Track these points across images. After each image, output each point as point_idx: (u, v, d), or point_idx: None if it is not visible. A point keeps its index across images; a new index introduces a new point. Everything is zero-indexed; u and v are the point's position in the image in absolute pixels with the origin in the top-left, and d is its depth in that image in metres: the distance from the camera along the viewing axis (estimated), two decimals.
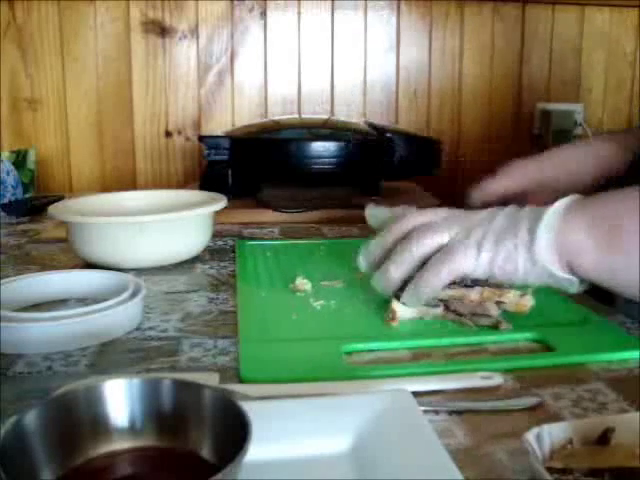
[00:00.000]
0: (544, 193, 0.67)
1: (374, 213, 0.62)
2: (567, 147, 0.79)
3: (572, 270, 0.50)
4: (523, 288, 0.54)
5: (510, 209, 0.53)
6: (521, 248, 0.50)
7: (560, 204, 0.51)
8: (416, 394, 0.39)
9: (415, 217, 0.55)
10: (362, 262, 0.57)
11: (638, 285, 0.48)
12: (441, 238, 0.52)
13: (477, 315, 0.54)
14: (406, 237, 0.54)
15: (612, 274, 0.49)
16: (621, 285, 0.50)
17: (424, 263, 0.52)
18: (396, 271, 0.53)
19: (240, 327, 0.54)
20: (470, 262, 0.51)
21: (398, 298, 0.54)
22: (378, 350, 0.50)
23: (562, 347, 0.50)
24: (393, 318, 0.53)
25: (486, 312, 0.54)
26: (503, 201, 0.61)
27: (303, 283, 0.63)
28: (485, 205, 0.59)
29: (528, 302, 0.54)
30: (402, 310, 0.54)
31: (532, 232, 0.50)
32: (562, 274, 0.50)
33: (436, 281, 0.51)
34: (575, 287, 0.51)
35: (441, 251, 0.52)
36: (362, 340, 0.51)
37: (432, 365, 0.48)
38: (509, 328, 0.53)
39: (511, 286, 0.54)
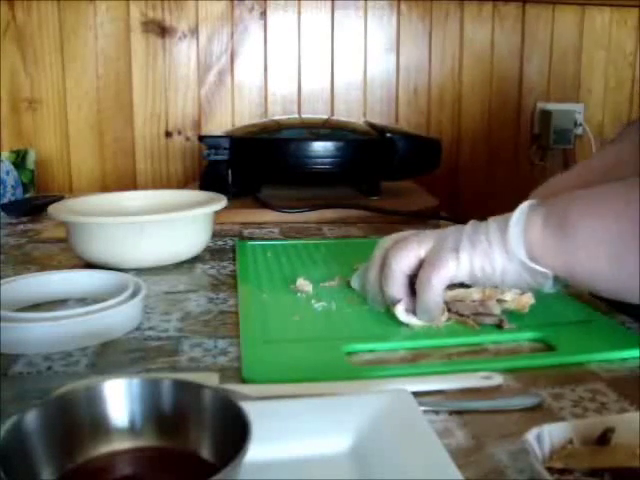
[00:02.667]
0: None
1: (356, 280, 0.62)
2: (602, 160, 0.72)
3: (537, 264, 0.51)
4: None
5: (475, 221, 0.55)
6: (495, 244, 0.51)
7: (525, 203, 0.52)
8: (416, 394, 0.39)
9: (385, 241, 0.57)
10: (370, 302, 0.58)
11: (595, 279, 0.50)
12: (418, 249, 0.54)
13: (480, 315, 0.54)
14: (385, 260, 0.55)
15: (569, 268, 0.50)
16: (577, 277, 0.51)
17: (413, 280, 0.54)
18: (391, 290, 0.54)
19: (242, 328, 0.54)
20: (452, 267, 0.52)
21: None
22: (379, 351, 0.50)
23: (563, 346, 0.50)
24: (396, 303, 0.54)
25: (489, 311, 0.54)
26: None
27: (304, 284, 0.63)
28: None
29: (529, 300, 0.54)
30: (403, 315, 0.54)
31: (502, 229, 0.51)
32: (537, 267, 0.50)
33: (430, 294, 0.52)
34: (550, 283, 0.51)
35: (423, 266, 0.53)
36: (363, 341, 0.51)
37: (432, 365, 0.48)
38: (513, 327, 0.53)
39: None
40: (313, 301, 0.60)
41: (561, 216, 0.50)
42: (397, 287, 0.54)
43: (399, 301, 0.54)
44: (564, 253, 0.50)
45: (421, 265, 0.53)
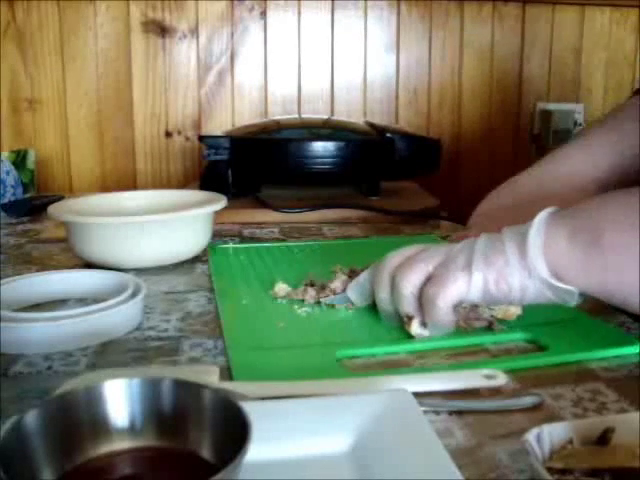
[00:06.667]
0: None
1: (354, 289, 0.58)
2: (559, 169, 0.70)
3: (561, 281, 0.48)
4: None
5: (488, 233, 0.51)
6: (513, 262, 0.48)
7: (543, 214, 0.49)
8: (416, 394, 0.39)
9: (391, 258, 0.54)
10: (384, 318, 0.55)
11: (629, 292, 0.46)
12: (426, 268, 0.51)
13: (470, 319, 0.54)
14: (394, 280, 0.52)
15: (599, 283, 0.47)
16: (611, 294, 0.48)
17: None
18: (404, 311, 0.52)
19: (226, 337, 0.52)
20: (463, 287, 0.49)
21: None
22: (373, 355, 0.50)
23: (556, 346, 0.50)
24: (408, 323, 0.52)
25: (479, 317, 0.54)
26: None
27: (282, 288, 0.61)
28: None
29: (517, 311, 0.54)
30: (416, 327, 0.52)
31: (522, 245, 0.48)
32: (561, 285, 0.47)
33: (437, 315, 0.50)
34: (575, 298, 0.48)
35: (429, 282, 0.50)
36: (355, 346, 0.51)
37: (430, 368, 0.47)
38: (502, 328, 0.53)
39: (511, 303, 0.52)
40: (296, 306, 0.59)
41: (591, 229, 0.47)
42: (409, 307, 0.52)
43: (412, 317, 0.52)
44: (599, 271, 0.46)
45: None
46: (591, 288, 0.48)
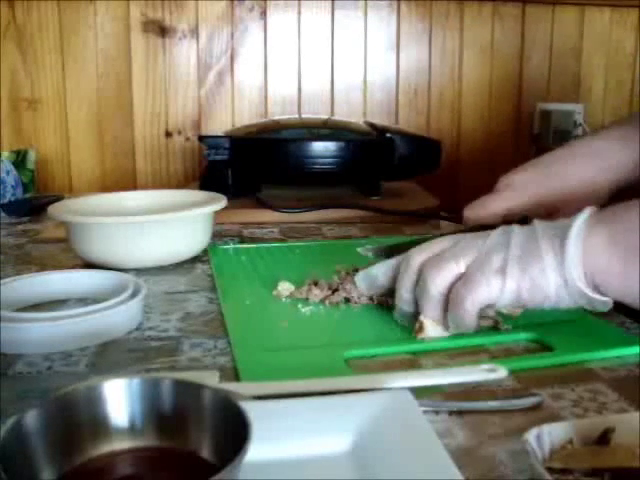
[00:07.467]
0: (553, 209, 0.64)
1: (363, 278, 0.58)
2: (576, 151, 0.71)
3: (598, 290, 0.47)
4: None
5: (523, 229, 0.50)
6: (550, 271, 0.47)
7: (581, 219, 0.47)
8: (417, 393, 0.39)
9: (417, 255, 0.52)
10: (398, 318, 0.54)
11: None
12: (457, 268, 0.49)
13: None
14: (420, 277, 0.51)
15: (637, 288, 0.46)
16: None
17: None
18: (426, 311, 0.51)
19: (232, 337, 0.52)
20: (495, 292, 0.48)
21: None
22: (380, 355, 0.49)
23: (560, 346, 0.50)
24: (420, 329, 0.51)
25: (484, 314, 0.54)
26: (503, 222, 0.54)
27: (286, 287, 0.61)
28: (484, 227, 0.55)
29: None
30: (431, 329, 0.52)
31: (560, 252, 0.46)
32: (597, 296, 0.47)
33: (463, 314, 0.49)
34: (608, 306, 0.48)
35: (460, 281, 0.49)
36: (363, 346, 0.50)
37: (437, 367, 0.47)
38: (508, 328, 0.53)
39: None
40: (300, 306, 0.59)
41: (632, 233, 0.46)
42: (434, 308, 0.50)
43: (423, 322, 0.51)
44: (637, 275, 0.45)
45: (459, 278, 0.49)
46: (627, 295, 0.47)
